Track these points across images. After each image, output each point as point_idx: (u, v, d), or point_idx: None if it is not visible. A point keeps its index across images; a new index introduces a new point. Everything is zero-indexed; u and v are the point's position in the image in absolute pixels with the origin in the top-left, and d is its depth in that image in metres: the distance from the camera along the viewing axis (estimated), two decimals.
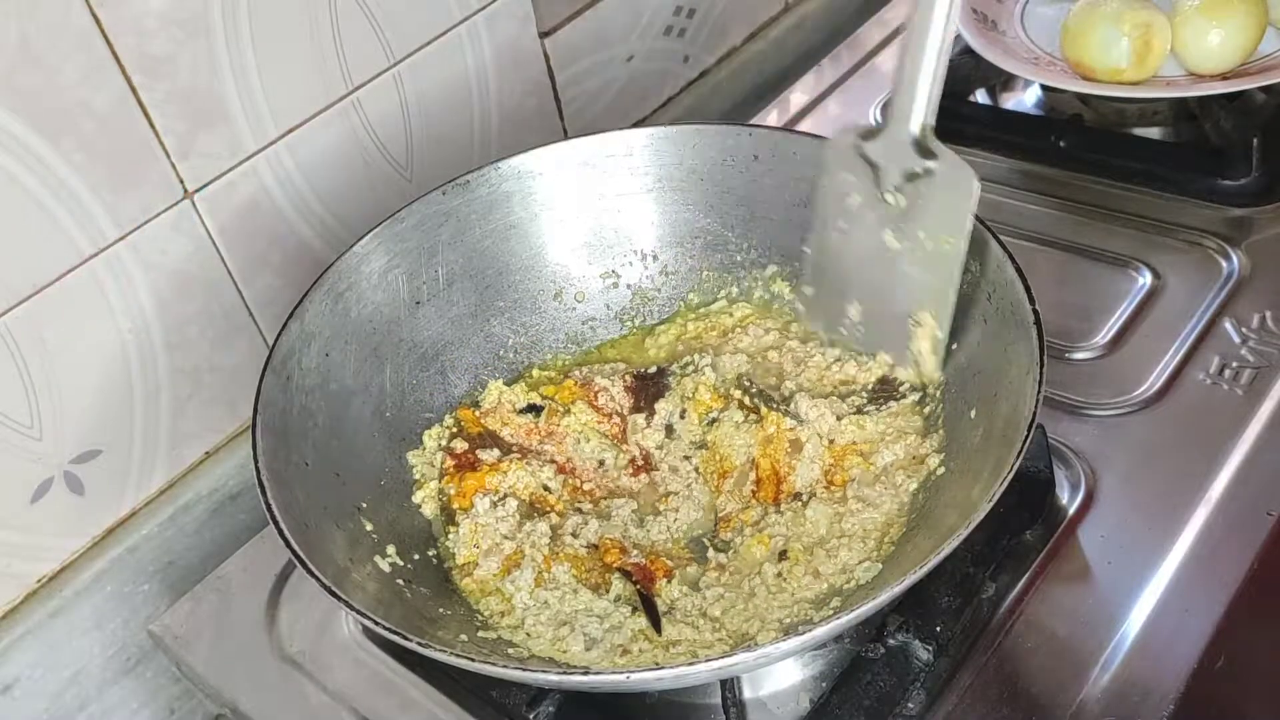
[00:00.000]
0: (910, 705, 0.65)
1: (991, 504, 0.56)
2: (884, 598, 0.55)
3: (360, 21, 0.85)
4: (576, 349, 0.87)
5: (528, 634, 0.67)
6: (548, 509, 0.74)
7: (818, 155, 0.79)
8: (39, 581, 0.80)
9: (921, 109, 0.70)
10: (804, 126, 1.11)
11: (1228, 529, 0.70)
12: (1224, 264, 0.87)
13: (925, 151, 0.70)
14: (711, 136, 0.83)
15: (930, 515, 0.68)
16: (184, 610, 0.80)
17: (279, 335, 0.72)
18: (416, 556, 0.73)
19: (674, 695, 0.69)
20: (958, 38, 1.06)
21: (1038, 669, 0.65)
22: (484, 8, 0.93)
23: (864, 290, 0.77)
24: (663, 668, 0.57)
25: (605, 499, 0.76)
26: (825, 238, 0.77)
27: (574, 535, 0.73)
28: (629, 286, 0.88)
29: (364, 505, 0.72)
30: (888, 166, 0.72)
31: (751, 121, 1.13)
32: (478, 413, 0.81)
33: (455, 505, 0.75)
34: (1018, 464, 0.58)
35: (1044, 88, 1.07)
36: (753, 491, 0.74)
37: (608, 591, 0.69)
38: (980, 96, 1.09)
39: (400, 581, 0.69)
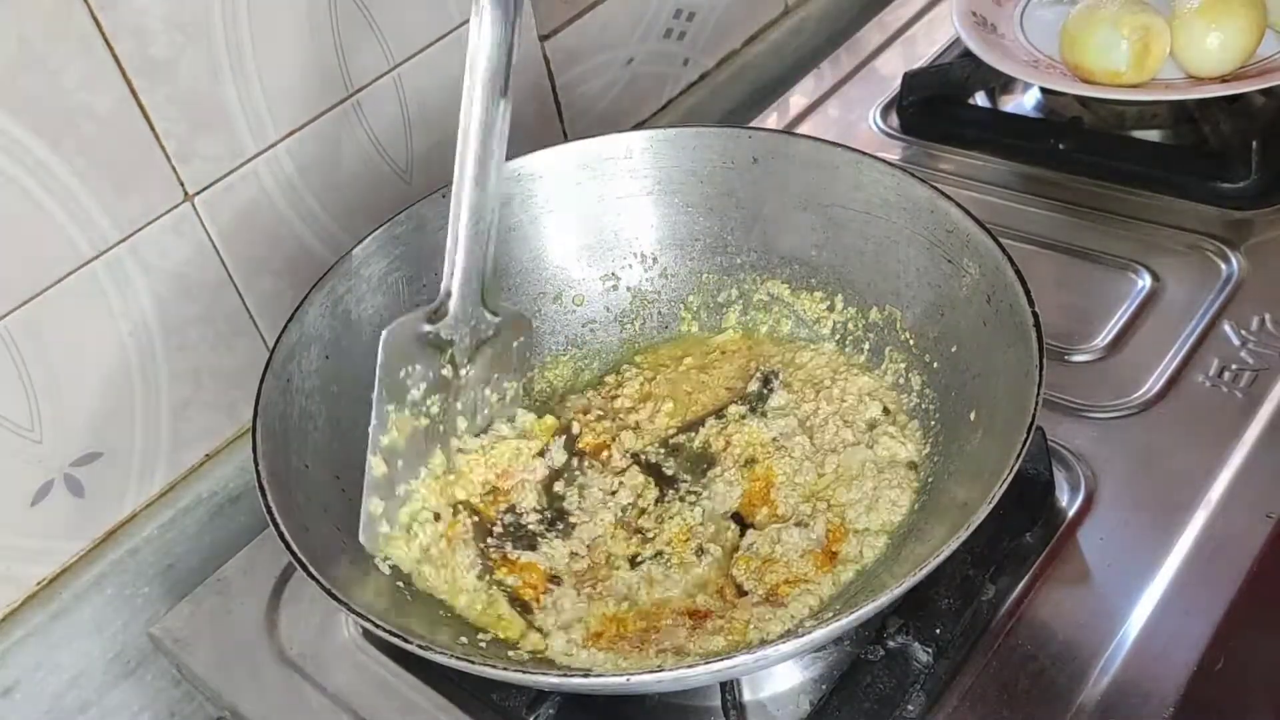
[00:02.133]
0: (910, 707, 0.65)
1: (991, 506, 0.56)
2: (884, 599, 0.55)
3: (360, 24, 0.85)
4: (576, 351, 0.87)
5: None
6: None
7: (818, 158, 0.80)
8: (39, 584, 0.80)
9: (489, 270, 0.75)
10: (804, 129, 1.11)
11: (1227, 531, 0.70)
12: (1223, 266, 0.87)
13: (491, 313, 0.76)
14: (711, 139, 0.84)
15: (930, 517, 0.68)
16: (184, 613, 0.80)
17: (279, 338, 0.72)
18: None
19: (674, 698, 0.69)
20: (957, 40, 1.07)
21: (1038, 671, 0.65)
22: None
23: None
24: (663, 670, 0.57)
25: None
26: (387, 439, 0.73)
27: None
28: (629, 289, 0.88)
29: None
30: (460, 339, 0.75)
31: (751, 124, 1.13)
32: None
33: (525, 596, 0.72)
34: (1017, 466, 0.58)
35: (1043, 90, 1.07)
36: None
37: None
38: (980, 99, 1.09)
39: (400, 584, 0.69)
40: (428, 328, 0.73)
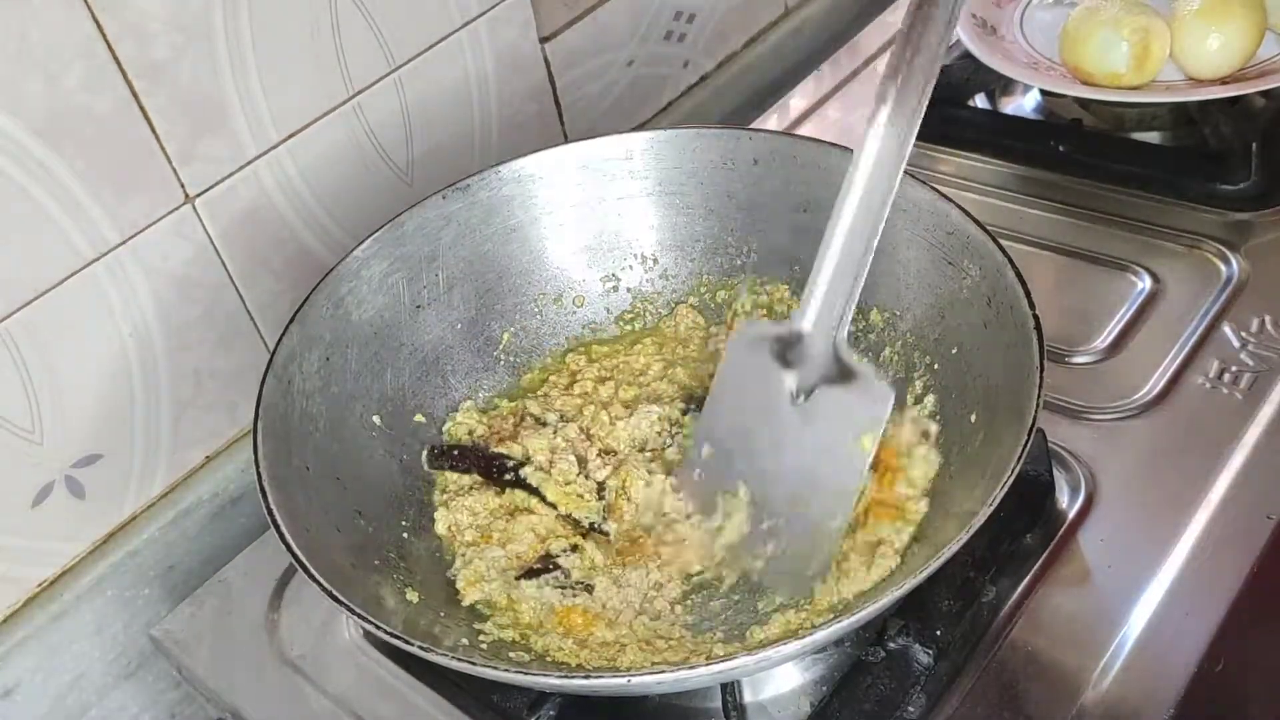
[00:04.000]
0: (911, 709, 0.65)
1: (992, 508, 0.57)
2: (885, 601, 0.56)
3: (361, 26, 0.85)
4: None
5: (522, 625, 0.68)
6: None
7: (819, 159, 0.80)
8: (40, 586, 0.80)
9: (847, 318, 0.68)
10: (804, 131, 1.11)
11: (1227, 532, 0.70)
12: (1223, 268, 0.87)
13: (841, 361, 0.68)
14: (712, 140, 0.84)
15: (931, 519, 0.68)
16: (185, 614, 0.80)
17: (280, 339, 0.73)
18: (417, 560, 0.73)
19: (675, 699, 0.69)
20: (957, 42, 1.07)
21: (1038, 672, 0.65)
22: (484, 12, 0.93)
23: (759, 484, 0.72)
24: (663, 670, 0.57)
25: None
26: (722, 429, 0.72)
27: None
28: (629, 290, 0.88)
29: (364, 509, 0.72)
30: (803, 367, 0.69)
31: (751, 126, 1.13)
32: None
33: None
34: (1018, 468, 0.58)
35: (1043, 92, 1.07)
36: None
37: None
38: (979, 101, 1.09)
39: (401, 585, 0.69)
40: (774, 342, 0.69)
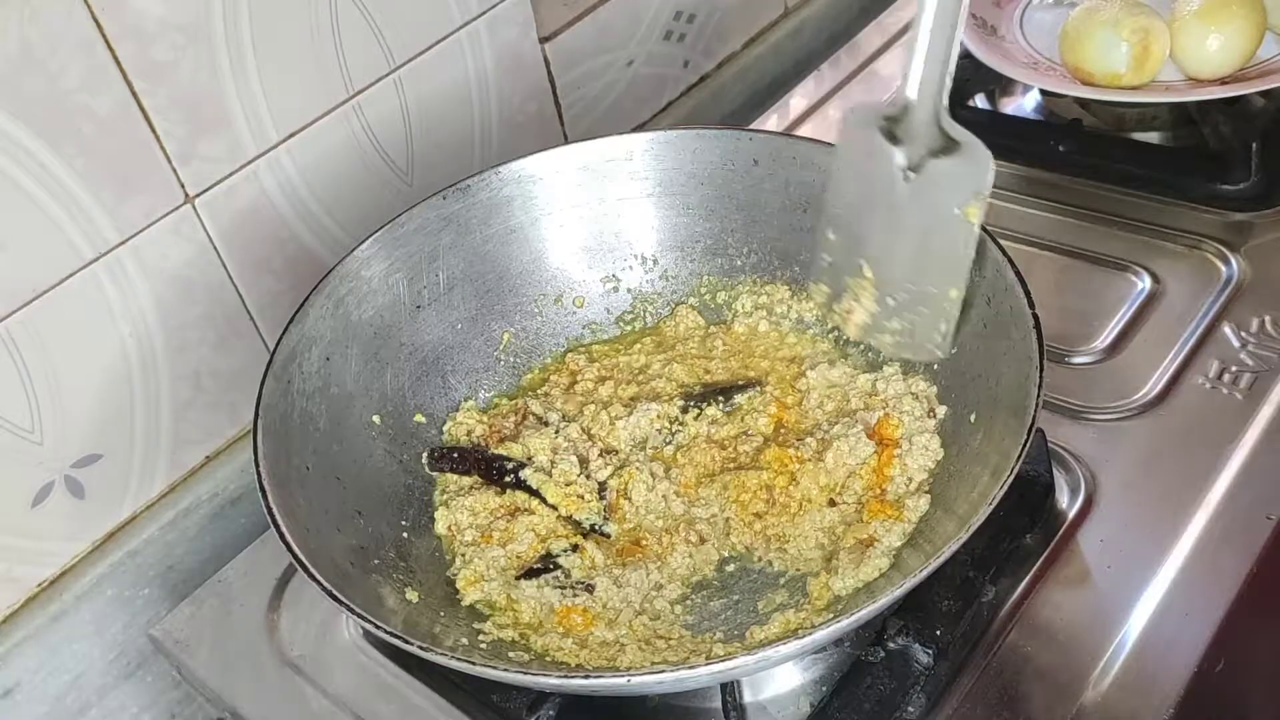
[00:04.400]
0: (910, 709, 0.65)
1: (991, 508, 0.57)
2: (884, 601, 0.56)
3: (361, 26, 0.85)
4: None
5: (521, 624, 0.68)
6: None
7: (818, 159, 0.80)
8: (39, 586, 0.80)
9: (947, 85, 0.67)
10: (804, 131, 1.11)
11: (1227, 532, 0.70)
12: (1223, 268, 0.87)
13: (943, 130, 0.68)
14: (711, 141, 0.84)
15: (930, 518, 0.68)
16: (184, 614, 0.80)
17: (280, 339, 0.73)
18: (417, 560, 0.73)
19: (674, 699, 0.69)
20: None
21: (1038, 672, 0.65)
22: (484, 12, 0.93)
23: (880, 261, 0.72)
24: (663, 670, 0.57)
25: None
26: (842, 211, 0.73)
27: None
28: (629, 290, 0.88)
29: (365, 509, 0.72)
30: (911, 142, 0.69)
31: (751, 126, 1.13)
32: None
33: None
34: (1017, 468, 0.58)
35: (1043, 92, 1.07)
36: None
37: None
38: (979, 101, 1.09)
39: (401, 585, 0.69)
40: (883, 119, 0.69)
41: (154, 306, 0.80)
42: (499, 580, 0.71)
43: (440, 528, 0.76)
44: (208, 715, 0.85)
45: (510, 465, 0.77)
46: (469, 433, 0.81)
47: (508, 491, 0.76)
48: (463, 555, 0.74)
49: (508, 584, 0.71)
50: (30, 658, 0.79)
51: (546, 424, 0.80)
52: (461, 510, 0.75)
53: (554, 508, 0.75)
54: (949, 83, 0.67)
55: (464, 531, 0.75)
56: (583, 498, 0.75)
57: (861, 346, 0.81)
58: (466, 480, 0.78)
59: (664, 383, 0.82)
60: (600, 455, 0.77)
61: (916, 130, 0.68)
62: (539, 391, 0.84)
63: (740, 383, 0.81)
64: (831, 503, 0.72)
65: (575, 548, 0.73)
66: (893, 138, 0.69)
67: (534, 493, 0.75)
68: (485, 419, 0.81)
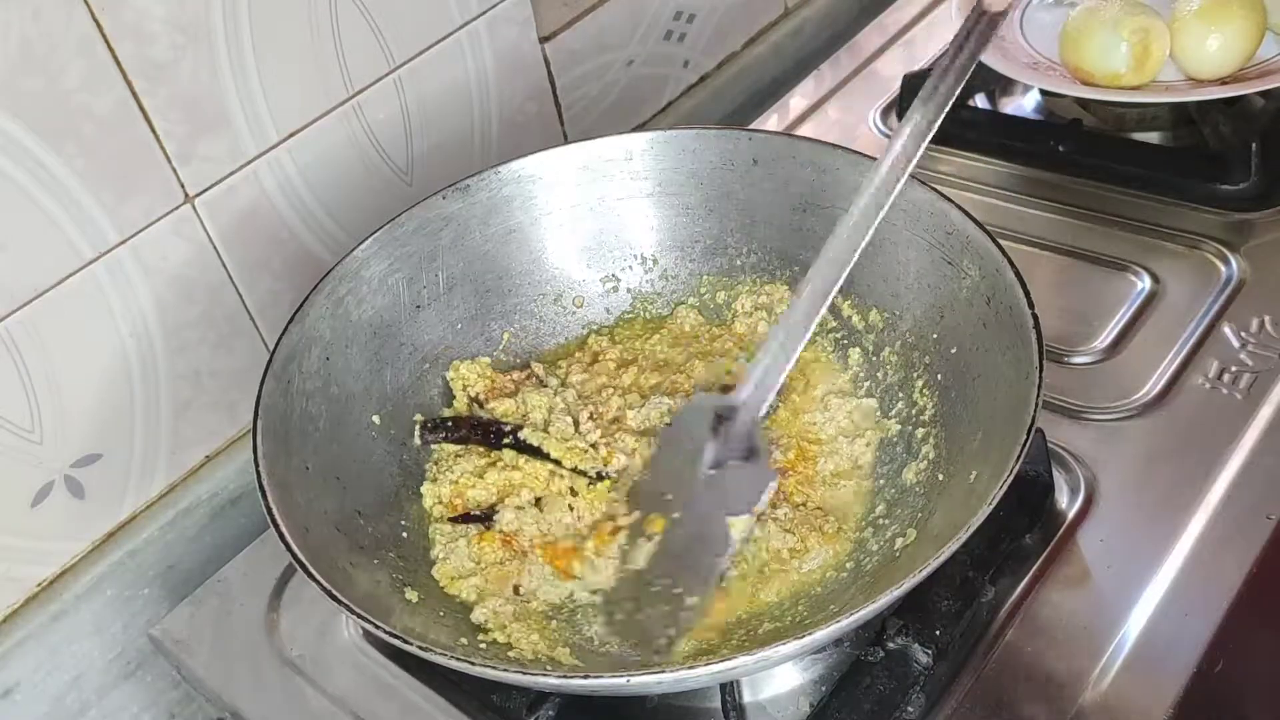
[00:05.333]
0: (910, 709, 0.65)
1: (991, 508, 0.57)
2: (883, 601, 0.56)
3: (361, 26, 0.85)
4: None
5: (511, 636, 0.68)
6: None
7: (818, 159, 0.80)
8: (39, 585, 0.80)
9: (769, 400, 0.71)
10: (804, 131, 1.11)
11: (1227, 533, 0.70)
12: (1223, 268, 0.87)
13: (752, 442, 0.71)
14: (711, 141, 0.84)
15: (930, 519, 0.68)
16: (184, 614, 0.80)
17: (280, 339, 0.73)
18: (417, 560, 0.73)
19: (674, 699, 0.69)
20: None
21: (1037, 673, 0.65)
22: (484, 12, 0.93)
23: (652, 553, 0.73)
24: (663, 671, 0.57)
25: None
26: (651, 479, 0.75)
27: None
28: (629, 290, 0.88)
29: (365, 509, 0.72)
30: (725, 442, 0.72)
31: (751, 126, 1.13)
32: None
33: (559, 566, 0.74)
34: (1017, 468, 0.58)
35: (1043, 92, 1.07)
36: None
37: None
38: (979, 101, 1.09)
39: (401, 585, 0.69)
40: (713, 417, 0.72)
41: (154, 306, 0.80)
42: (479, 576, 0.72)
43: (427, 502, 0.76)
44: (207, 715, 0.86)
45: (508, 428, 0.78)
46: (464, 388, 0.82)
47: (495, 461, 0.77)
48: (439, 540, 0.74)
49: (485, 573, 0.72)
50: (30, 657, 0.79)
51: (545, 385, 0.81)
52: (445, 485, 0.76)
53: (557, 463, 0.76)
54: (774, 395, 0.70)
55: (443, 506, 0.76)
56: (583, 450, 0.76)
57: (863, 345, 0.81)
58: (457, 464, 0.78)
59: (684, 378, 0.82)
60: (590, 419, 0.78)
61: (732, 432, 0.71)
62: (557, 364, 0.85)
63: None
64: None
65: (574, 492, 0.75)
66: (714, 430, 0.72)
67: (535, 451, 0.76)
68: (490, 375, 0.82)
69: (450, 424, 0.79)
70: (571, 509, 0.75)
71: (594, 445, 0.77)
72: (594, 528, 0.74)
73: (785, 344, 0.69)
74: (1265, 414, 0.76)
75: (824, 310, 0.69)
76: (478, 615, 0.69)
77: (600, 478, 0.76)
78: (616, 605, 0.70)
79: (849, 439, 0.77)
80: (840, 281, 0.68)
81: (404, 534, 0.74)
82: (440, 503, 0.76)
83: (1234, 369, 0.79)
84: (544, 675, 0.60)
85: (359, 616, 0.59)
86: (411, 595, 0.69)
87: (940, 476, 0.70)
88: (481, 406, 0.81)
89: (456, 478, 0.77)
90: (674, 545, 0.71)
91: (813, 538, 0.71)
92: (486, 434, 0.78)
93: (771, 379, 0.70)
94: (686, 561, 0.70)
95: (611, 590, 0.71)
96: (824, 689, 0.67)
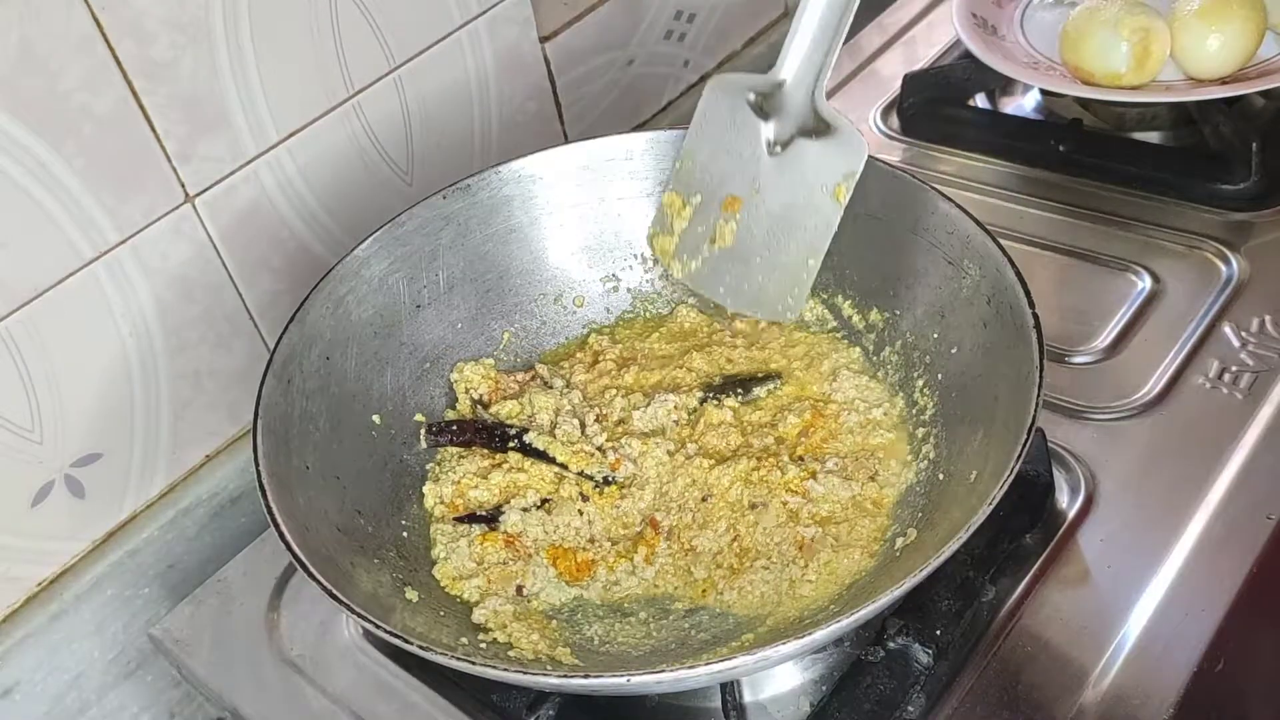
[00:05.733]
0: (910, 709, 0.65)
1: (991, 508, 0.57)
2: (884, 601, 0.55)
3: (361, 26, 0.85)
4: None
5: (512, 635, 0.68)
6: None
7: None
8: (39, 585, 0.80)
9: (826, 71, 0.67)
10: None
11: (1227, 532, 0.70)
12: (1223, 268, 0.87)
13: (817, 112, 0.68)
14: None
15: (930, 519, 0.68)
16: (184, 614, 0.80)
17: (280, 339, 0.73)
18: (418, 559, 0.73)
19: (674, 699, 0.69)
20: (957, 42, 1.07)
21: (1038, 672, 0.65)
22: (484, 12, 0.93)
23: (740, 221, 0.72)
24: (663, 671, 0.57)
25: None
26: (696, 172, 0.73)
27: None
28: (629, 290, 0.88)
29: (364, 508, 0.72)
30: (780, 119, 0.69)
31: None
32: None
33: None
34: (1017, 468, 0.58)
35: (1043, 92, 1.07)
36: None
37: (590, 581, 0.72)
38: (980, 101, 1.09)
39: (402, 584, 0.69)
40: (753, 94, 0.68)
41: (154, 306, 0.80)
42: (480, 576, 0.72)
43: (429, 502, 0.76)
44: (207, 714, 0.86)
45: (513, 430, 0.78)
46: (466, 390, 0.82)
47: (500, 461, 0.77)
48: (440, 539, 0.74)
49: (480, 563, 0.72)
50: (30, 657, 0.79)
51: (551, 387, 0.81)
52: (447, 485, 0.76)
53: (564, 466, 0.76)
54: (830, 67, 0.67)
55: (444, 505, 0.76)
56: (590, 454, 0.76)
57: (867, 347, 0.81)
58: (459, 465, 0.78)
59: (684, 373, 0.82)
60: (597, 420, 0.78)
61: (788, 108, 0.68)
62: (559, 365, 0.85)
63: (760, 375, 0.81)
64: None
65: (584, 497, 0.74)
66: (761, 112, 0.68)
67: (540, 455, 0.76)
68: (494, 376, 0.82)
69: (455, 427, 0.79)
70: (581, 513, 0.74)
71: (600, 449, 0.77)
72: (626, 539, 0.74)
73: (827, 10, 0.64)
74: (1265, 414, 0.76)
75: None
76: (478, 615, 0.69)
77: (607, 482, 0.76)
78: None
79: (866, 406, 0.77)
80: None
81: (404, 533, 0.74)
82: (441, 502, 0.76)
83: (1234, 369, 0.79)
84: (544, 675, 0.60)
85: (359, 616, 0.59)
86: (412, 595, 0.69)
87: (940, 476, 0.70)
88: (485, 408, 0.81)
89: (459, 478, 0.76)
90: (759, 221, 0.68)
91: (875, 471, 0.72)
92: (492, 437, 0.78)
93: (819, 51, 0.65)
94: (783, 228, 0.67)
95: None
96: (824, 688, 0.67)
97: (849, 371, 0.80)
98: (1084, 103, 1.02)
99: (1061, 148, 0.99)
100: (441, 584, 0.71)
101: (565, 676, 0.60)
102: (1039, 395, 0.61)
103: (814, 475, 0.73)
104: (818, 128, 0.68)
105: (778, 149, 0.69)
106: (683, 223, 0.75)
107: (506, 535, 0.73)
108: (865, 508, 0.71)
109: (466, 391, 0.82)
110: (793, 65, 0.67)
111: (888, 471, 0.73)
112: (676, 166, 0.77)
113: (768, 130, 0.69)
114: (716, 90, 0.71)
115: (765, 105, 0.68)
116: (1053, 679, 0.65)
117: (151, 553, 0.84)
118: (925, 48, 1.19)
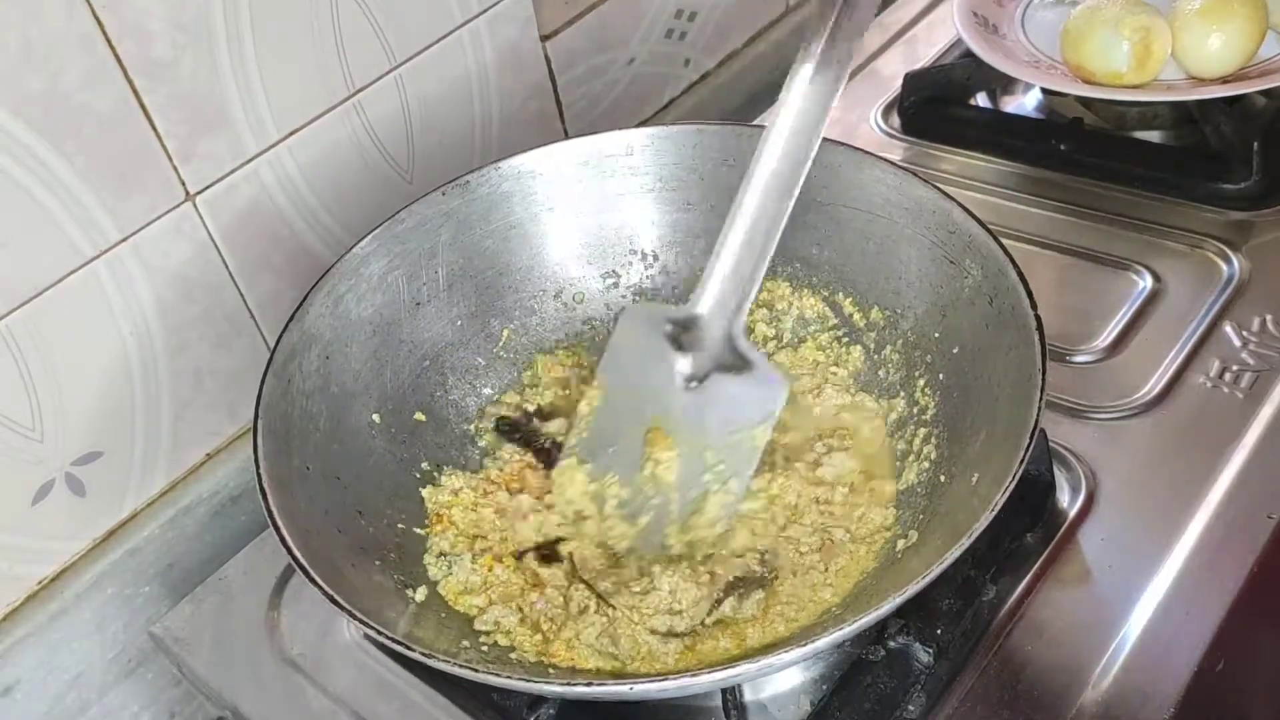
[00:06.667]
0: (911, 708, 0.65)
1: (994, 512, 0.56)
2: (887, 607, 0.55)
3: (362, 24, 0.85)
4: (578, 347, 0.87)
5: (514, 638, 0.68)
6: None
7: (820, 156, 0.79)
8: (40, 584, 0.80)
9: (745, 306, 0.65)
10: None
11: (1228, 532, 0.70)
12: (1224, 267, 0.87)
13: (737, 350, 0.66)
14: (712, 136, 0.83)
15: (931, 520, 0.68)
16: (185, 612, 0.80)
17: (280, 338, 0.72)
18: (418, 560, 0.73)
19: (674, 698, 0.69)
20: (957, 41, 1.07)
21: (1038, 672, 0.65)
22: (485, 10, 0.93)
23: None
24: (665, 678, 0.57)
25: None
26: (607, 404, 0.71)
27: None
28: (629, 287, 0.88)
29: (365, 508, 0.72)
30: (697, 353, 0.67)
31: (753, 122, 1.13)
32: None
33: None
34: (1020, 470, 0.58)
35: (1044, 91, 1.07)
36: None
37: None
38: (981, 100, 1.09)
39: (402, 585, 0.69)
40: (668, 325, 0.66)
41: (154, 304, 0.80)
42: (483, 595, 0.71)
43: (428, 504, 0.76)
44: (208, 713, 0.85)
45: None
46: (539, 387, 0.84)
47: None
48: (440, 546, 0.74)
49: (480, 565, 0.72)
50: (30, 656, 0.79)
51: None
52: (445, 492, 0.77)
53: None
54: (750, 300, 0.64)
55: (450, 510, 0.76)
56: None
57: (864, 344, 0.81)
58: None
59: None
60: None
61: (705, 343, 0.65)
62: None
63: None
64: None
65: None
66: (677, 343, 0.66)
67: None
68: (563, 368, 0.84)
69: (520, 435, 0.80)
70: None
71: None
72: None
73: (750, 240, 0.62)
74: (1266, 413, 0.76)
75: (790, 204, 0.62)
76: (480, 626, 0.69)
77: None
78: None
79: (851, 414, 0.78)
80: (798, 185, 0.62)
81: (405, 534, 0.74)
82: (441, 504, 0.76)
83: (1235, 368, 0.79)
84: (547, 682, 0.60)
85: (360, 621, 0.58)
86: (413, 595, 0.69)
87: (942, 478, 0.70)
88: (545, 420, 0.81)
89: (458, 487, 0.77)
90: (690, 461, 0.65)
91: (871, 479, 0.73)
92: (550, 458, 0.78)
93: (738, 286, 0.62)
94: (695, 469, 0.65)
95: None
96: (825, 688, 0.67)
97: (833, 390, 0.80)
98: (1085, 102, 1.02)
99: (1063, 147, 0.99)
100: (447, 599, 0.71)
101: (568, 684, 0.60)
102: (1042, 398, 0.61)
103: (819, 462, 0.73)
104: (735, 364, 0.66)
105: (693, 385, 0.67)
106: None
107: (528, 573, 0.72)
108: (871, 489, 0.72)
109: (540, 387, 0.82)
110: (709, 299, 0.65)
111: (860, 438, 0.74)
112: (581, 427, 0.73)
113: (683, 364, 0.67)
114: (631, 320, 0.69)
115: (681, 337, 0.66)
116: (1053, 678, 0.65)
117: (152, 551, 0.84)
118: (926, 47, 1.19)
